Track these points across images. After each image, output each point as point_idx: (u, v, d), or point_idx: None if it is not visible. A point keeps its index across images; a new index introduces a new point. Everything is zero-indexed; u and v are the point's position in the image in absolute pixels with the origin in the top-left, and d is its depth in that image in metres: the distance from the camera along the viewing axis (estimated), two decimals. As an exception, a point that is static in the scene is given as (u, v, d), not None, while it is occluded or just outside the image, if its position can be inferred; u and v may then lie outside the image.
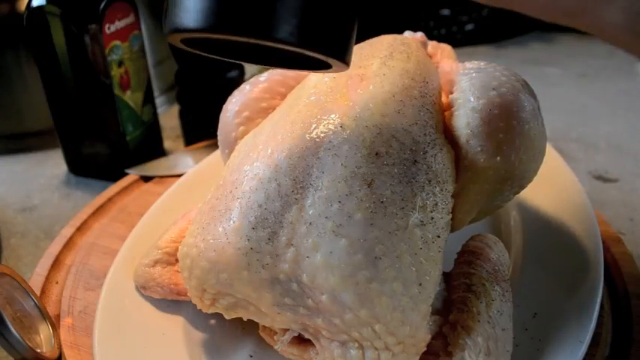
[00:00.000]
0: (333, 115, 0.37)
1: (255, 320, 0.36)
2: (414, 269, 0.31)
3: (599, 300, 0.38)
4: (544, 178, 0.45)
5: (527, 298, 0.40)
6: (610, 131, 0.77)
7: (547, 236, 0.46)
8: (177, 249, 0.41)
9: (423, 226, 0.33)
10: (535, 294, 0.40)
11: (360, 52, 0.45)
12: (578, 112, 0.83)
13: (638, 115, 0.81)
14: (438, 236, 0.33)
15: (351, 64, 0.43)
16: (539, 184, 0.44)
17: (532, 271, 0.43)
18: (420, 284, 0.31)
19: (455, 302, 0.35)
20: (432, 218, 0.34)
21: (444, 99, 0.43)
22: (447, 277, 0.37)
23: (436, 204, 0.35)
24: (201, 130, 0.71)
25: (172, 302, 0.42)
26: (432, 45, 0.51)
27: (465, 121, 0.38)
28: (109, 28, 0.59)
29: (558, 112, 0.82)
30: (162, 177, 0.62)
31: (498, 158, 0.37)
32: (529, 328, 0.38)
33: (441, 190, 0.36)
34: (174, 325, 0.41)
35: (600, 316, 0.40)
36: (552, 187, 0.50)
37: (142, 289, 0.42)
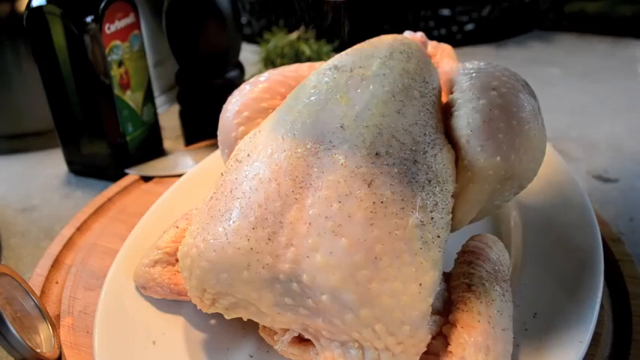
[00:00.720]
0: (333, 115, 0.37)
1: (256, 320, 0.36)
2: (413, 269, 0.31)
3: (599, 300, 0.38)
4: (544, 178, 0.45)
5: (527, 298, 0.40)
6: (610, 131, 0.77)
7: (547, 236, 0.46)
8: (177, 249, 0.41)
9: (423, 226, 0.33)
10: (535, 294, 0.40)
11: (360, 52, 0.45)
12: (578, 112, 0.83)
13: (638, 115, 0.81)
14: (438, 236, 0.33)
15: (351, 63, 0.43)
16: (539, 184, 0.44)
17: (532, 271, 0.43)
18: (420, 284, 0.31)
19: (455, 302, 0.35)
20: (432, 218, 0.34)
21: (444, 99, 0.43)
22: (447, 277, 0.37)
23: (436, 204, 0.35)
24: (201, 130, 0.71)
25: (172, 302, 0.42)
26: (432, 45, 0.51)
27: (465, 121, 0.38)
28: (109, 28, 0.59)
29: (558, 112, 0.82)
30: (162, 177, 0.62)
31: (498, 158, 0.37)
32: (529, 328, 0.38)
33: (441, 190, 0.36)
34: (174, 325, 0.41)
35: (600, 316, 0.40)
36: (552, 187, 0.50)
37: (142, 289, 0.42)
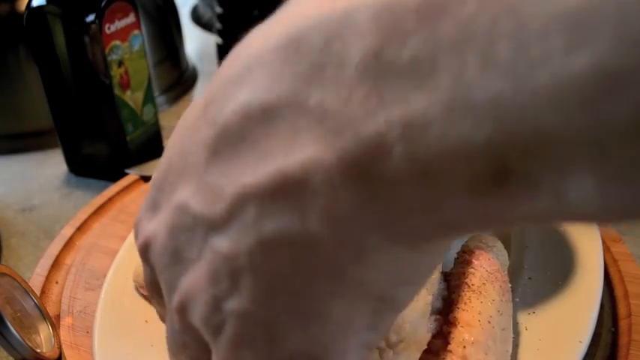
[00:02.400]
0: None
1: None
2: None
3: (599, 300, 0.38)
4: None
5: (527, 297, 0.40)
6: (610, 131, 0.77)
7: (547, 236, 0.46)
8: None
9: None
10: (535, 294, 0.40)
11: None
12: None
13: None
14: None
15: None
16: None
17: (532, 271, 0.43)
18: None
19: (455, 302, 0.35)
20: None
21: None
22: (446, 276, 0.37)
23: None
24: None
25: (172, 302, 0.42)
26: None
27: None
28: (109, 28, 0.59)
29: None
30: (162, 177, 0.62)
31: None
32: (529, 328, 0.38)
33: None
34: (174, 325, 0.41)
35: (600, 316, 0.40)
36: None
37: (142, 288, 0.42)
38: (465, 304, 0.34)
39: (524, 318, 0.38)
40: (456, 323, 0.33)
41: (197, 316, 0.22)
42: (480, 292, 0.35)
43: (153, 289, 0.27)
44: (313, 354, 0.20)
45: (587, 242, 0.44)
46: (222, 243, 0.20)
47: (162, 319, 0.28)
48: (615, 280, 0.45)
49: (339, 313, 0.19)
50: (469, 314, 0.33)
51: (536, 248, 0.45)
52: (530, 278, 0.42)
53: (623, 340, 0.40)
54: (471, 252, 0.38)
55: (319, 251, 0.18)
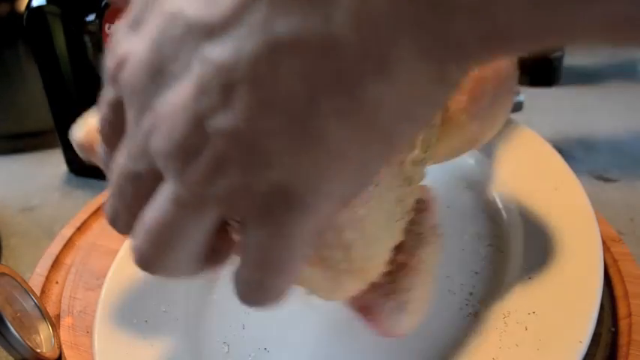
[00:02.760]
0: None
1: None
2: None
3: (599, 300, 0.38)
4: (544, 178, 0.45)
5: (527, 297, 0.40)
6: (610, 131, 0.77)
7: (547, 236, 0.46)
8: None
9: None
10: (535, 293, 0.40)
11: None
12: (578, 112, 0.83)
13: (638, 115, 0.81)
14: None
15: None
16: (539, 184, 0.44)
17: (531, 271, 0.43)
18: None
19: (403, 247, 0.34)
20: None
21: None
22: None
23: None
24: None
25: (172, 304, 0.42)
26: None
27: None
28: (109, 28, 0.59)
29: (558, 112, 0.82)
30: (162, 177, 0.62)
31: (476, 122, 0.37)
32: (529, 328, 0.38)
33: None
34: (175, 325, 0.41)
35: (600, 316, 0.40)
36: (552, 187, 0.50)
37: (86, 151, 0.38)
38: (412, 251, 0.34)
39: (524, 318, 0.38)
40: (404, 267, 0.33)
41: (168, 139, 0.18)
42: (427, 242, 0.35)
43: (108, 126, 0.22)
44: (293, 189, 0.18)
45: (587, 242, 0.44)
46: (216, 51, 0.17)
47: (106, 166, 0.24)
48: (615, 280, 0.45)
49: (337, 142, 0.17)
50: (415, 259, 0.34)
51: (536, 249, 0.45)
52: (530, 278, 0.42)
53: (623, 340, 0.40)
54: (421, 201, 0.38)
55: (338, 58, 0.16)
